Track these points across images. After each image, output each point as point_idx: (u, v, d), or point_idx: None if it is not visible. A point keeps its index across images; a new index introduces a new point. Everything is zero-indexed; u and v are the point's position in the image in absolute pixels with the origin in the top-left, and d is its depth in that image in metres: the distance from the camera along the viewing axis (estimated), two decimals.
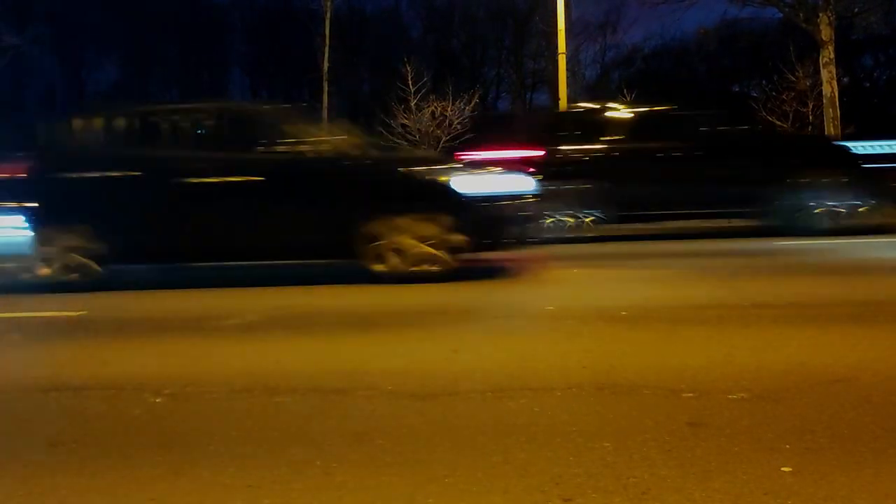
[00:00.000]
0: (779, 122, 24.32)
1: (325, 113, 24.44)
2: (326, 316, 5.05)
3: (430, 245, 6.11)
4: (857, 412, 2.51)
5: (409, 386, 3.06)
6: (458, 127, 25.34)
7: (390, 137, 25.77)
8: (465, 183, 6.25)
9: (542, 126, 12.00)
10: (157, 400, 3.02)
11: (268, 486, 2.10)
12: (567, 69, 24.28)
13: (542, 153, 9.94)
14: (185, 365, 3.67)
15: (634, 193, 9.86)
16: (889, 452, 2.17)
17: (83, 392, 3.20)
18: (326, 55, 23.97)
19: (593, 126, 10.58)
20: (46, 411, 2.96)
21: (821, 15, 20.50)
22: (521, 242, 6.77)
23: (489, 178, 6.61)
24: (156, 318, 5.21)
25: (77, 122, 7.99)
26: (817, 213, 9.77)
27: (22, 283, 7.05)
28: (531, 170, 7.78)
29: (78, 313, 5.50)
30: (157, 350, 4.05)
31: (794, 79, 23.77)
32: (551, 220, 9.84)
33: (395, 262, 6.17)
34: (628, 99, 25.24)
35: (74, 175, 6.88)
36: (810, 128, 24.07)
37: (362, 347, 3.91)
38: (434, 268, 6.12)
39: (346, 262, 6.55)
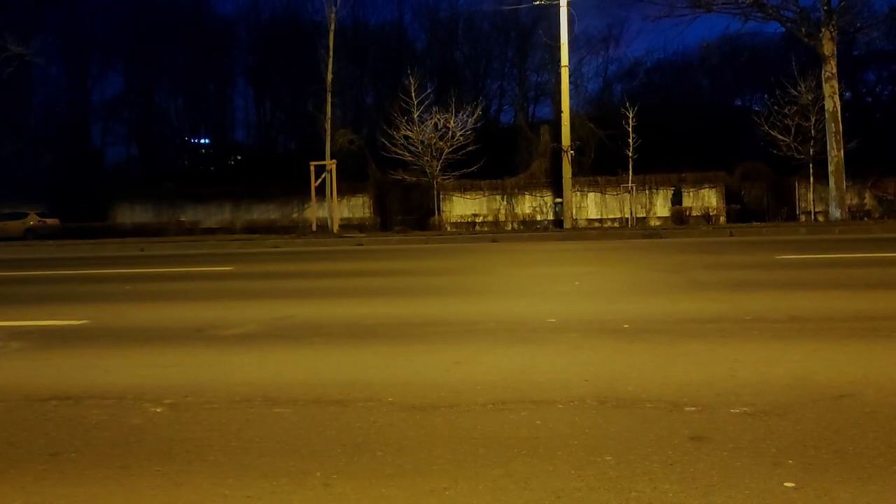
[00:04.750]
0: (781, 137, 24.37)
1: (328, 124, 24.51)
2: (327, 326, 5.04)
3: None
4: (861, 428, 2.50)
5: (410, 397, 3.05)
6: (461, 139, 25.42)
7: (393, 149, 25.88)
8: None
9: None
10: (157, 410, 3.02)
11: (267, 497, 2.09)
12: (570, 82, 24.38)
13: None
14: (185, 375, 3.67)
15: None
16: (893, 469, 2.15)
17: (83, 401, 3.20)
18: (330, 67, 24.09)
19: None
20: (46, 420, 2.95)
21: (823, 30, 20.62)
22: None
23: None
24: (156, 328, 5.21)
25: None
26: None
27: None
28: None
29: (79, 322, 5.50)
30: (158, 360, 4.04)
31: (796, 93, 23.85)
32: None
33: None
34: (630, 112, 25.34)
35: None
36: (812, 142, 24.12)
37: (363, 358, 3.90)
38: None
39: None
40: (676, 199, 27.40)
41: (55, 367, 3.98)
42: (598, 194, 29.46)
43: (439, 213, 28.11)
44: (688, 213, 28.22)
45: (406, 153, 25.98)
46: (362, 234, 21.18)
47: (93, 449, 2.57)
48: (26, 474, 2.34)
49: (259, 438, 2.61)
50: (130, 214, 32.37)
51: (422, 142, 25.68)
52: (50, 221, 31.99)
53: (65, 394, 3.33)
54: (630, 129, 25.83)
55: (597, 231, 20.20)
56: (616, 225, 27.93)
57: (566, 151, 22.53)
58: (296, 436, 2.62)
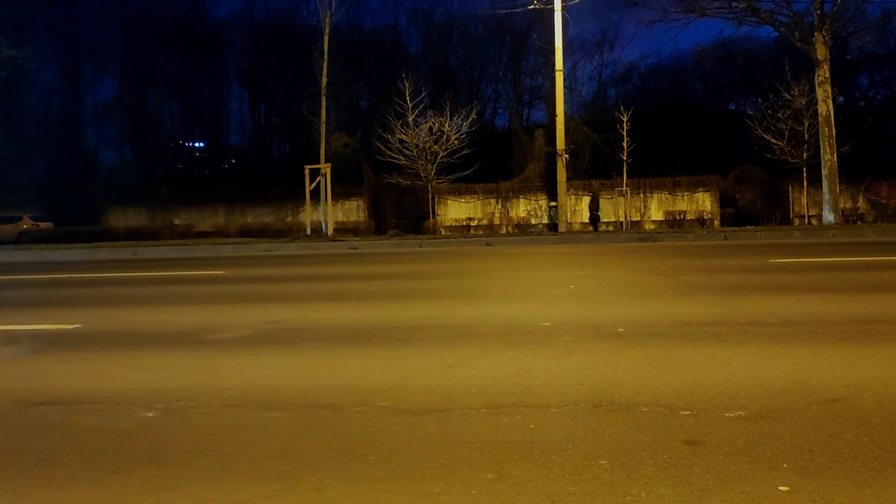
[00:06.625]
0: (774, 141, 24.46)
1: (323, 128, 24.49)
2: (320, 331, 5.02)
3: None
4: (856, 432, 2.49)
5: (403, 402, 3.04)
6: (456, 142, 25.43)
7: (387, 152, 25.87)
8: None
9: None
10: (149, 414, 2.99)
11: (259, 502, 2.07)
12: (564, 86, 24.44)
13: None
14: (177, 379, 3.64)
15: None
16: (888, 472, 2.14)
17: (74, 406, 3.17)
18: (325, 70, 24.05)
19: None
20: (36, 425, 2.93)
21: (816, 34, 20.70)
22: None
23: None
24: (148, 332, 5.18)
25: None
26: None
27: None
28: None
29: (72, 326, 5.47)
30: (150, 364, 4.02)
31: (789, 97, 23.95)
32: None
33: None
34: (625, 116, 25.40)
35: None
36: (806, 146, 24.22)
37: (356, 362, 3.88)
38: None
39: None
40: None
41: (46, 372, 3.95)
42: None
43: (434, 217, 28.11)
44: (681, 216, 28.31)
45: (401, 157, 25.98)
46: (357, 238, 21.15)
47: (83, 454, 2.54)
48: (16, 479, 2.32)
49: (251, 443, 2.59)
50: (124, 218, 32.30)
51: (416, 145, 25.68)
52: (43, 225, 31.87)
53: (56, 398, 3.30)
54: (624, 133, 25.89)
55: (591, 234, 20.19)
56: (611, 228, 27.97)
57: (561, 155, 22.55)
58: (288, 440, 2.61)
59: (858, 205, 27.43)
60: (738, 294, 6.22)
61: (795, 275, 7.84)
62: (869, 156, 29.03)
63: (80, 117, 45.20)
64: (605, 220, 29.21)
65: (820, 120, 21.32)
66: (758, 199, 29.55)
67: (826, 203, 21.18)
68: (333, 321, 5.45)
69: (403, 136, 25.66)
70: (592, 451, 2.37)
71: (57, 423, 2.95)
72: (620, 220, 28.75)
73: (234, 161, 49.21)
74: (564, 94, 24.13)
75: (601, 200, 29.28)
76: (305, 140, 32.34)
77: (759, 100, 27.07)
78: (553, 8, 22.75)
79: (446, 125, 25.44)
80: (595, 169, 30.49)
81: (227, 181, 40.46)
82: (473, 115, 26.51)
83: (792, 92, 23.89)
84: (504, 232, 28.10)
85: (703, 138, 36.31)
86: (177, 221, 31.28)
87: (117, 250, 18.41)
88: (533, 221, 29.88)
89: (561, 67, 23.16)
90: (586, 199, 29.17)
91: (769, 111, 24.49)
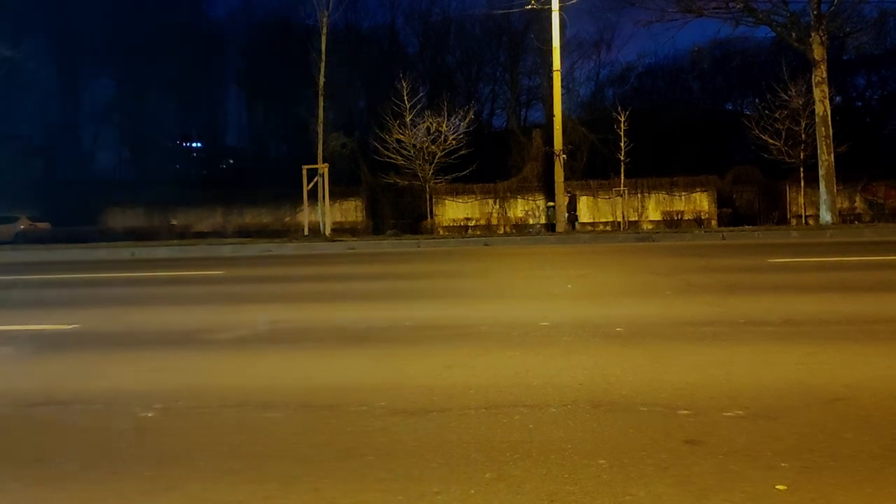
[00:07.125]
0: (771, 141, 24.48)
1: (320, 128, 24.47)
2: (318, 331, 5.01)
3: None
4: (855, 431, 2.49)
5: (402, 402, 3.03)
6: (453, 142, 25.42)
7: (385, 152, 25.85)
8: None
9: None
10: (148, 414, 2.98)
11: (258, 502, 2.07)
12: (562, 86, 24.41)
13: None
14: (175, 379, 3.63)
15: None
16: (888, 472, 2.14)
17: (72, 406, 3.16)
18: (322, 71, 24.01)
19: None
20: (34, 426, 2.92)
21: (813, 35, 20.71)
22: None
23: None
24: (147, 333, 5.17)
25: None
26: None
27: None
28: None
29: (70, 326, 5.45)
30: (148, 364, 4.01)
31: (786, 98, 23.96)
32: None
33: None
34: (622, 116, 25.41)
35: None
36: (803, 146, 24.24)
37: (354, 363, 3.88)
38: None
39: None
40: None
41: (44, 372, 3.94)
42: (591, 198, 29.53)
43: (432, 217, 28.08)
44: (679, 216, 28.35)
45: (398, 157, 25.95)
46: (354, 238, 21.12)
47: (81, 454, 2.53)
48: (14, 480, 2.31)
49: (250, 443, 2.58)
50: (122, 218, 32.22)
51: (414, 146, 25.65)
52: (41, 225, 31.76)
53: (54, 399, 3.29)
54: (622, 134, 25.90)
55: (589, 234, 20.17)
56: (608, 228, 27.98)
57: (558, 155, 22.54)
58: (286, 440, 2.60)
59: (856, 205, 27.45)
60: (738, 293, 6.22)
61: (794, 274, 7.85)
62: (866, 156, 29.08)
63: (77, 117, 45.14)
64: (604, 220, 29.23)
65: (817, 120, 21.33)
66: (755, 200, 29.56)
67: (823, 203, 21.18)
68: (332, 321, 5.44)
69: (401, 137, 25.63)
70: (591, 451, 2.36)
71: (55, 423, 2.94)
72: (618, 220, 28.75)
73: (231, 161, 49.16)
74: (562, 95, 24.13)
75: (599, 201, 29.29)
76: (303, 140, 32.26)
77: (757, 100, 27.06)
78: (550, 8, 22.75)
79: (444, 125, 25.42)
80: (592, 169, 30.48)
81: (224, 181, 40.39)
82: (471, 116, 26.49)
83: (789, 92, 23.89)
84: (502, 232, 28.09)
85: (700, 138, 36.30)
86: (175, 222, 31.20)
87: (115, 250, 18.38)
88: (531, 221, 29.87)
89: (558, 67, 23.16)
90: (584, 199, 29.19)
91: (766, 111, 24.48)
